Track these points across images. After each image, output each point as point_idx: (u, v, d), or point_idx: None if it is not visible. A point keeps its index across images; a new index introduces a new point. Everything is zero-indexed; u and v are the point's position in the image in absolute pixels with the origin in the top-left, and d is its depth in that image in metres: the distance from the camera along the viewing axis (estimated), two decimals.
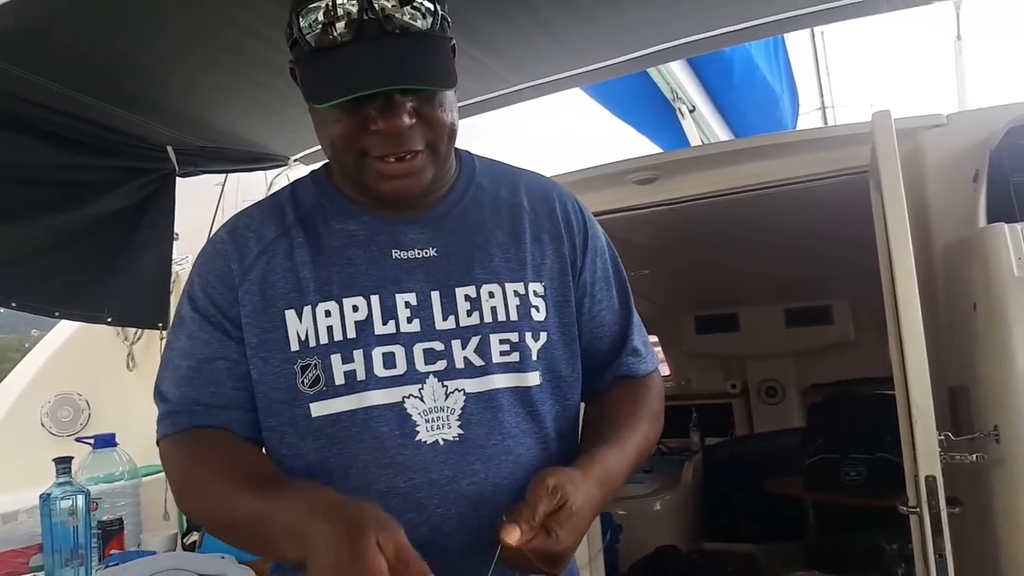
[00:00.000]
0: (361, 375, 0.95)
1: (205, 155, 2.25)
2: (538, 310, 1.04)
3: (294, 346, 0.97)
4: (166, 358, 1.05)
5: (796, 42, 6.12)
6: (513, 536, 0.81)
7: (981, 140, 1.99)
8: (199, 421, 1.00)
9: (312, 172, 1.11)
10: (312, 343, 0.96)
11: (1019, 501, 1.60)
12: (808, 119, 6.11)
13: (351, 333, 0.96)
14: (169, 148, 2.15)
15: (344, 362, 0.95)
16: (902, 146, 1.78)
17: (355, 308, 0.97)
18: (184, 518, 2.26)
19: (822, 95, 6.28)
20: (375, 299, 0.98)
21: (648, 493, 4.04)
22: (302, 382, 0.96)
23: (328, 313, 0.97)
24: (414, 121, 0.92)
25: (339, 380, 0.95)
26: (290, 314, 0.98)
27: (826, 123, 5.94)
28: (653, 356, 1.19)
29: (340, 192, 1.06)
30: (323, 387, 0.95)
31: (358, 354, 0.95)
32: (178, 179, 2.23)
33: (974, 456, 1.67)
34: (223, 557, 1.73)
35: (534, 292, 1.04)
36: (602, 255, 1.15)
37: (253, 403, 1.01)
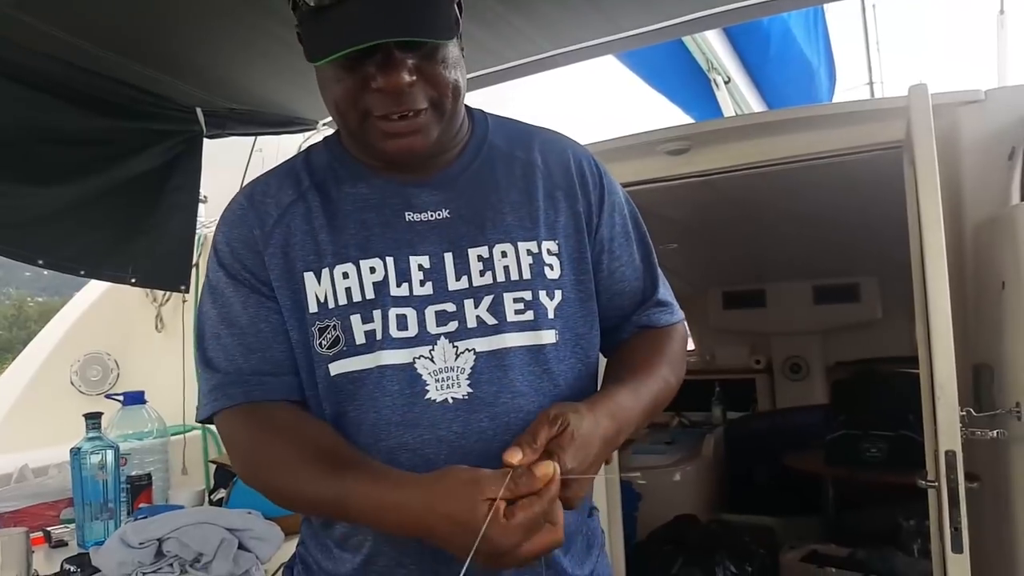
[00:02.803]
0: (379, 335, 0.96)
1: (233, 117, 2.27)
2: (552, 268, 1.03)
3: (312, 308, 0.99)
4: (204, 328, 1.05)
5: (845, 15, 5.98)
6: (515, 456, 0.83)
7: (1019, 117, 1.96)
8: (254, 395, 1.00)
9: (326, 138, 1.11)
10: (331, 304, 0.98)
11: None
12: (856, 92, 5.98)
13: (370, 294, 0.97)
14: (198, 110, 2.17)
15: (364, 322, 0.97)
16: (938, 121, 1.76)
17: (372, 269, 0.98)
18: (211, 475, 2.31)
19: (870, 68, 6.12)
20: (390, 261, 0.99)
21: (668, 464, 4.08)
22: (319, 344, 0.98)
23: (346, 275, 0.98)
24: (414, 78, 0.91)
25: (360, 340, 0.96)
26: (309, 276, 0.99)
27: (873, 97, 5.82)
28: (677, 309, 1.19)
29: (352, 156, 1.06)
30: (343, 347, 0.97)
31: (377, 314, 0.97)
32: (207, 141, 2.25)
33: (995, 432, 1.68)
34: (250, 512, 1.75)
35: (547, 251, 1.03)
36: (620, 211, 1.13)
37: (297, 364, 1.01)
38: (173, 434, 2.28)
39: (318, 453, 0.94)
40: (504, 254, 1.01)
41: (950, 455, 1.61)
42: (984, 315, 1.91)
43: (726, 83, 4.11)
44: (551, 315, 1.02)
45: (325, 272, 0.99)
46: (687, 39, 3.78)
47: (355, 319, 0.96)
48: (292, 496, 0.97)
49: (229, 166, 2.69)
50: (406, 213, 1.01)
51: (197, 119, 2.19)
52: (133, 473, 2.00)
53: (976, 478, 1.69)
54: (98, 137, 1.99)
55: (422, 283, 0.98)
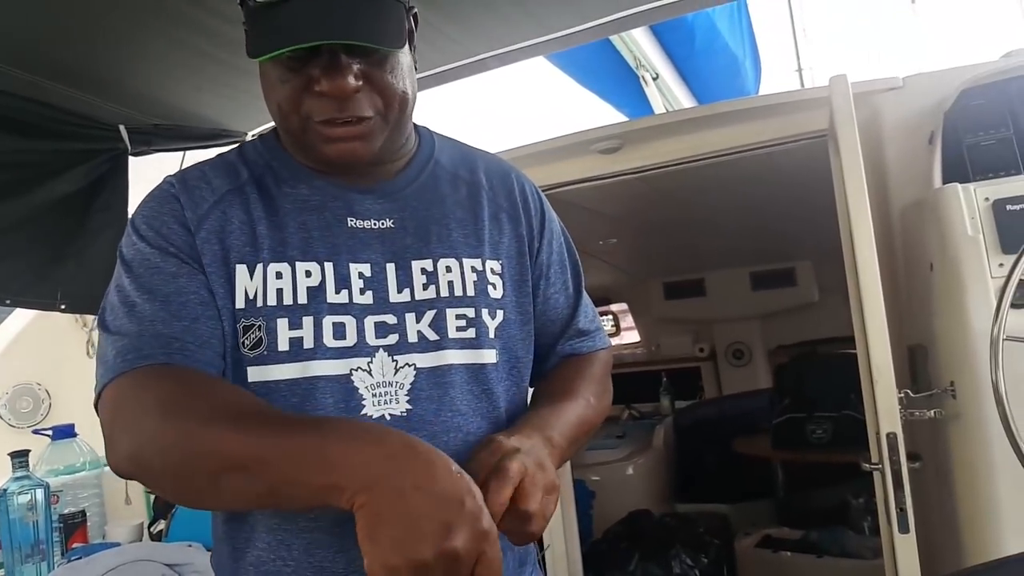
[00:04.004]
0: (308, 343, 0.91)
1: (158, 133, 2.21)
2: (495, 287, 1.02)
3: (240, 303, 0.91)
4: (112, 300, 0.92)
5: (772, 3, 6.10)
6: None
7: (936, 102, 2.01)
8: (175, 358, 0.86)
9: (261, 136, 1.07)
10: (259, 303, 0.91)
11: (973, 453, 1.65)
12: (786, 80, 6.13)
13: (302, 299, 0.92)
14: (121, 127, 2.11)
15: (291, 328, 0.91)
16: (860, 109, 1.80)
17: (308, 273, 0.93)
18: (151, 505, 2.23)
19: (798, 56, 6.28)
20: (329, 266, 0.94)
21: (621, 458, 4.10)
22: (242, 343, 0.91)
23: (279, 275, 0.92)
24: (360, 83, 0.88)
25: (283, 346, 0.90)
26: (241, 269, 0.92)
27: (803, 85, 5.96)
28: (602, 336, 1.20)
29: (291, 155, 1.02)
30: (264, 351, 0.90)
31: (307, 321, 0.91)
32: (133, 159, 2.18)
33: (932, 412, 1.72)
34: (190, 545, 1.70)
35: (491, 270, 1.03)
36: (557, 239, 1.15)
37: (224, 348, 0.91)
38: (108, 465, 2.19)
39: (244, 407, 0.83)
40: (448, 269, 0.99)
41: (891, 437, 1.64)
42: (915, 297, 1.96)
43: (654, 79, 4.16)
44: (492, 334, 1.00)
45: (259, 267, 0.92)
46: (614, 37, 3.80)
47: (281, 323, 0.91)
48: (198, 450, 0.78)
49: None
50: (348, 218, 0.97)
51: (121, 137, 2.12)
52: (66, 511, 1.92)
53: (918, 457, 1.73)
54: (17, 160, 1.91)
55: (362, 291, 0.94)
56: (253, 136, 2.45)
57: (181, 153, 2.50)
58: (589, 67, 4.25)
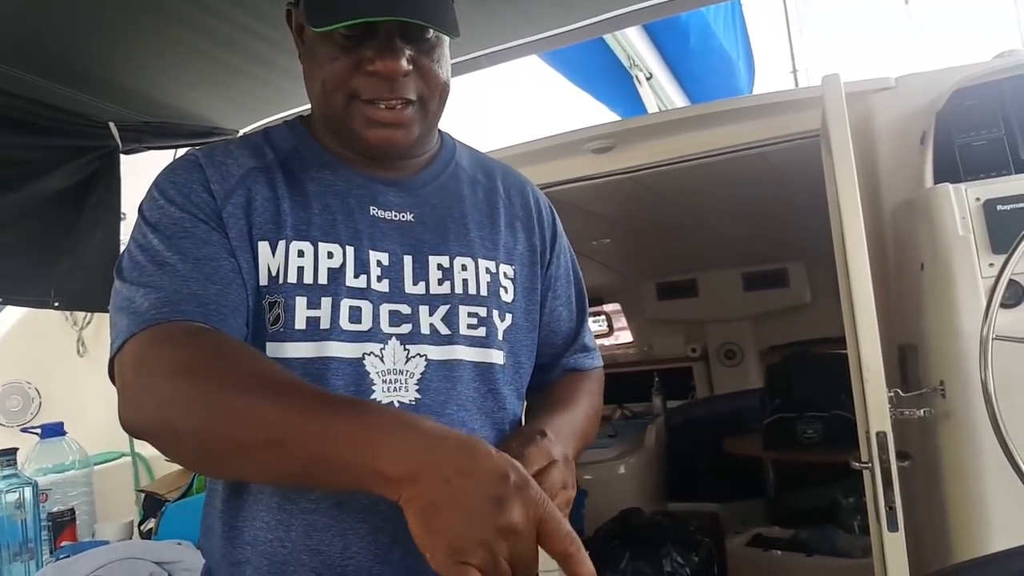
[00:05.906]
0: (325, 323, 0.92)
1: (149, 131, 2.19)
2: (507, 291, 1.05)
3: (263, 280, 0.92)
4: (138, 257, 0.89)
5: (767, 3, 6.11)
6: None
7: (928, 102, 2.02)
8: (210, 320, 0.84)
9: (287, 121, 1.08)
10: (281, 280, 0.92)
11: (963, 452, 1.65)
12: (780, 82, 6.14)
13: (322, 279, 0.93)
14: (111, 124, 2.10)
15: (309, 307, 0.92)
16: (852, 109, 1.81)
17: (330, 255, 0.94)
18: (143, 505, 2.22)
19: (793, 57, 6.28)
20: (350, 250, 0.95)
21: (613, 457, 4.11)
22: (267, 319, 0.91)
23: (301, 253, 0.93)
24: (410, 68, 0.92)
25: (299, 324, 0.91)
26: (263, 245, 0.93)
27: (797, 85, 5.97)
28: (599, 355, 1.25)
29: (319, 143, 1.03)
30: (281, 328, 0.91)
31: (326, 301, 0.92)
32: (124, 156, 2.17)
33: (922, 411, 1.73)
34: (179, 543, 1.70)
35: (504, 274, 1.05)
36: (565, 254, 1.18)
37: (247, 318, 0.91)
38: (100, 462, 2.18)
39: (281, 378, 0.80)
40: (464, 267, 1.01)
41: (881, 436, 1.65)
42: (906, 296, 1.96)
43: (648, 79, 4.16)
44: (501, 336, 1.03)
45: (281, 244, 0.93)
46: (608, 36, 3.80)
47: (300, 301, 0.92)
48: (232, 417, 0.75)
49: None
50: (371, 207, 0.99)
51: (111, 134, 2.11)
52: (55, 509, 1.92)
53: (907, 456, 1.74)
54: (7, 157, 1.89)
55: (379, 279, 0.96)
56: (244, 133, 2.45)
57: (172, 151, 2.51)
58: (582, 65, 4.26)
